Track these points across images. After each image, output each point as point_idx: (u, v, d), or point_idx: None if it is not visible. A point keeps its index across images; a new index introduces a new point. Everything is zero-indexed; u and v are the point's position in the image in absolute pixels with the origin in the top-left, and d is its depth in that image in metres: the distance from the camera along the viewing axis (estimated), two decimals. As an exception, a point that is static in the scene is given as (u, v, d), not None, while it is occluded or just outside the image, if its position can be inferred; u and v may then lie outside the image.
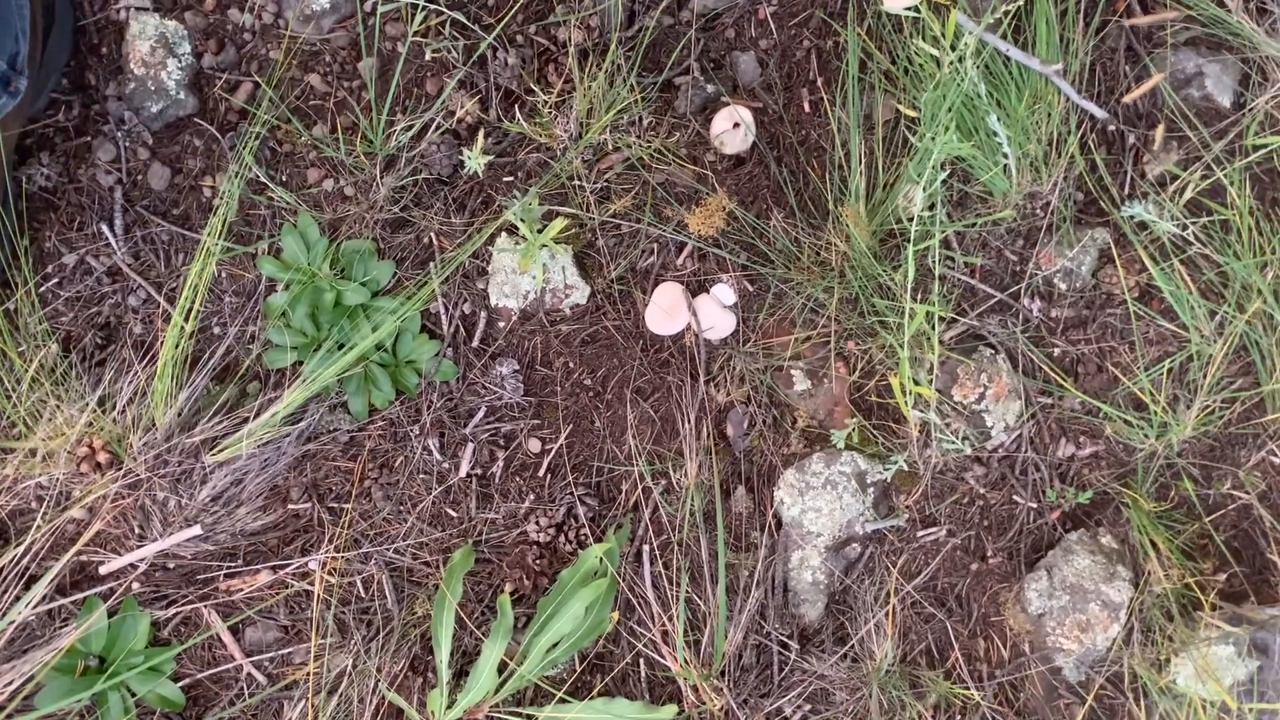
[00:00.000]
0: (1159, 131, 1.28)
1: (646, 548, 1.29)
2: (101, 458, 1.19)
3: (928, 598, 1.30)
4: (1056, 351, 1.32)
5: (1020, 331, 1.31)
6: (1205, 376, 1.28)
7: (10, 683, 1.15)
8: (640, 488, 1.30)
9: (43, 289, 1.26)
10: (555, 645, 1.23)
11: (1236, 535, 1.31)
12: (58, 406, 1.19)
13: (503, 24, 1.27)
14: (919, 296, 1.29)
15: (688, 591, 1.27)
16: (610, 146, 1.27)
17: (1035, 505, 1.31)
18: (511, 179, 1.29)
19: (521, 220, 1.21)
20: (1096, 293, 1.31)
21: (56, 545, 1.22)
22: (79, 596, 1.22)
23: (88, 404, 1.19)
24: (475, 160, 1.19)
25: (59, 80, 1.23)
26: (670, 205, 1.30)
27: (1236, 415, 1.30)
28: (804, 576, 1.29)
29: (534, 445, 1.31)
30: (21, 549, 1.18)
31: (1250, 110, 1.28)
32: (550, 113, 1.26)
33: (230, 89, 1.26)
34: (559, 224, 1.22)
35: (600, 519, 1.30)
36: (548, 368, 1.31)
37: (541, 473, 1.30)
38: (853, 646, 1.26)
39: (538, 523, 1.28)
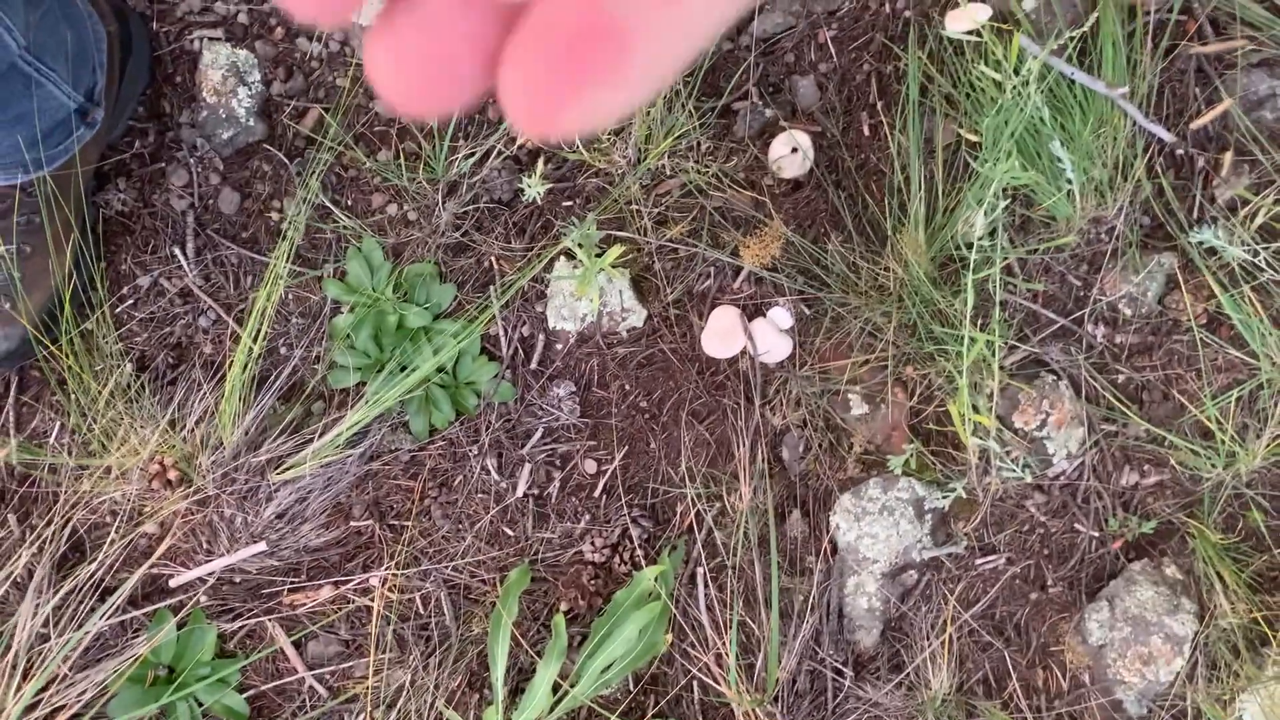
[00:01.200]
0: (1228, 156, 1.25)
1: (700, 570, 1.29)
2: (172, 475, 1.22)
3: (985, 626, 1.29)
4: (1121, 378, 1.29)
5: (1083, 358, 1.29)
6: (1276, 406, 1.24)
7: (84, 691, 1.19)
8: (694, 510, 1.30)
9: (118, 310, 1.30)
10: (609, 667, 1.24)
11: (1308, 568, 1.27)
12: (131, 425, 1.23)
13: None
14: (979, 323, 1.28)
15: (741, 615, 1.27)
16: (668, 172, 1.27)
17: (1097, 534, 1.29)
18: (570, 204, 1.30)
19: (579, 246, 1.23)
20: (1163, 319, 1.29)
21: (129, 559, 1.26)
22: (150, 609, 1.26)
23: (159, 423, 1.23)
24: (535, 188, 1.20)
25: (135, 108, 1.27)
26: (727, 230, 1.30)
27: (1309, 446, 1.27)
28: (859, 603, 1.28)
29: (590, 466, 1.32)
30: (96, 563, 1.22)
31: (1326, 133, 1.25)
32: (609, 139, 1.27)
33: (298, 116, 1.29)
34: (616, 251, 1.23)
35: (655, 540, 1.31)
36: (604, 390, 1.32)
37: (597, 493, 1.31)
38: (908, 675, 1.26)
39: (593, 543, 1.29)
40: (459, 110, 0.23)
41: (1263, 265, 1.25)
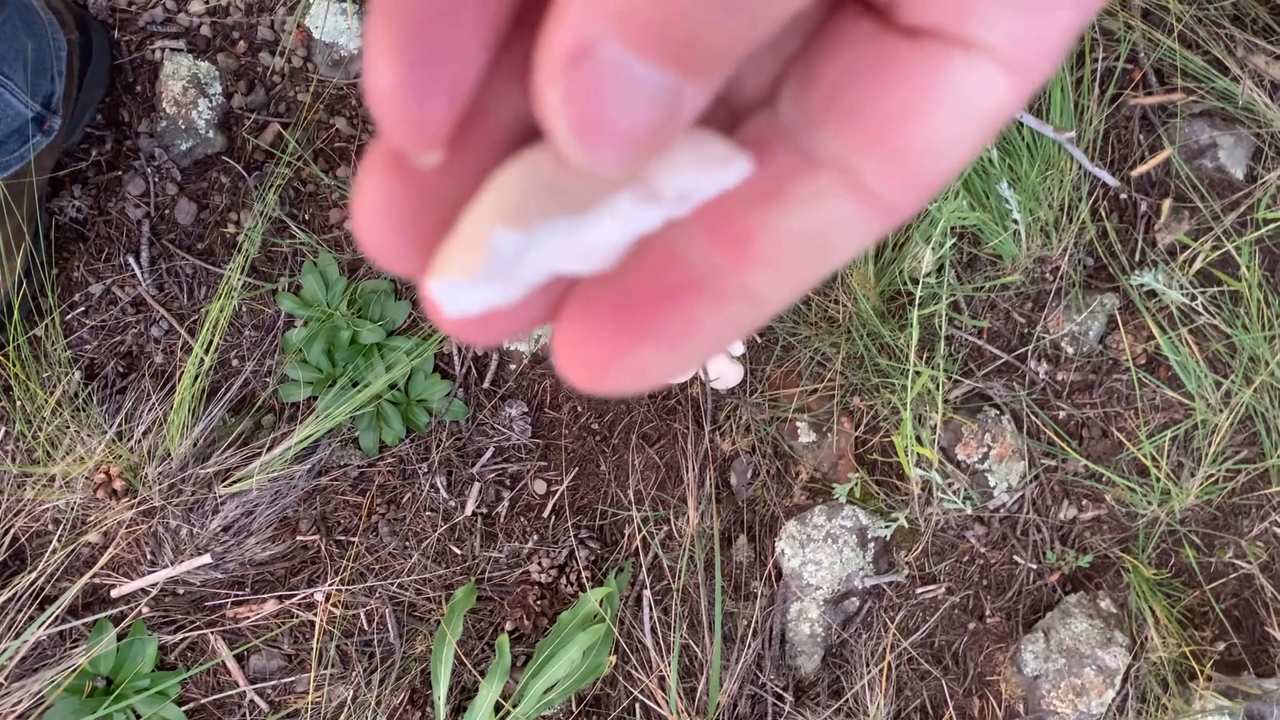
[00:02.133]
0: (1168, 202, 1.29)
1: (646, 593, 1.30)
2: (118, 485, 1.22)
3: (924, 654, 1.31)
4: (1062, 415, 1.32)
5: (1025, 394, 1.32)
6: (1210, 446, 1.28)
7: (19, 702, 1.18)
8: (642, 533, 1.31)
9: (68, 318, 1.29)
10: (552, 687, 1.24)
11: (1237, 605, 1.31)
12: (77, 433, 1.23)
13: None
14: (924, 357, 1.30)
15: (685, 639, 1.28)
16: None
17: (1035, 566, 1.32)
18: (528, 225, 1.31)
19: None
20: (1103, 358, 1.32)
21: (71, 569, 1.25)
22: (91, 619, 1.25)
23: (106, 432, 1.22)
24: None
25: (93, 116, 1.27)
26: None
27: (1240, 485, 1.31)
28: (802, 628, 1.30)
29: (539, 487, 1.33)
30: (36, 572, 1.21)
31: (1262, 184, 1.29)
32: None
33: (258, 129, 1.29)
34: (571, 274, 1.25)
35: (602, 562, 1.32)
36: (556, 411, 1.33)
37: (546, 514, 1.32)
38: (847, 701, 1.27)
39: (540, 564, 1.30)
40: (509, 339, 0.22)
41: (1200, 309, 1.29)
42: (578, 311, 0.21)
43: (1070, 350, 1.32)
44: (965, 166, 0.20)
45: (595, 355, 0.20)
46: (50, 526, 1.25)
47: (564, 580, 1.30)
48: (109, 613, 1.26)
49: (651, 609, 1.30)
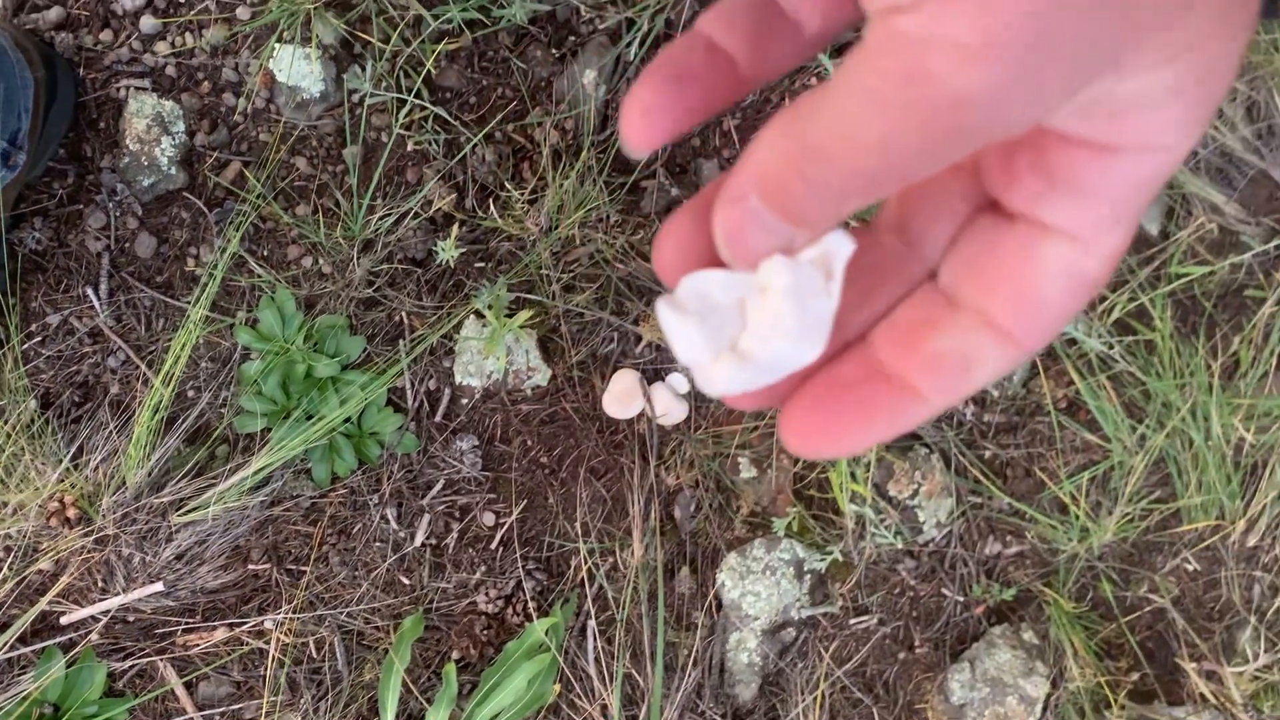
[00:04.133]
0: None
1: (591, 623, 1.35)
2: (71, 514, 1.24)
3: (856, 683, 1.36)
4: (988, 454, 1.40)
5: (954, 434, 1.39)
6: (1126, 486, 1.36)
7: (-34, 728, 1.19)
8: (588, 565, 1.36)
9: (25, 347, 1.31)
10: (497, 715, 1.28)
11: (1150, 637, 1.38)
12: (32, 462, 1.24)
13: (484, 123, 1.35)
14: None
15: (628, 668, 1.32)
16: (578, 241, 1.34)
17: (962, 599, 1.38)
18: (483, 265, 1.36)
19: (489, 308, 1.28)
20: (1027, 401, 1.40)
21: (22, 596, 1.26)
22: (40, 646, 1.27)
23: (61, 461, 1.24)
24: (448, 253, 1.26)
25: (56, 150, 1.30)
26: (631, 299, 1.37)
27: (1154, 524, 1.38)
28: (740, 658, 1.35)
29: (488, 519, 1.37)
30: (-13, 599, 1.22)
31: (1175, 240, 1.37)
32: (523, 207, 1.33)
33: (219, 167, 1.33)
34: (524, 315, 1.29)
35: (548, 593, 1.36)
36: (506, 444, 1.38)
37: (494, 545, 1.36)
38: (782, 728, 1.33)
39: (487, 594, 1.33)
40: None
41: (1117, 357, 1.37)
42: (802, 408, 0.30)
43: (996, 393, 1.40)
44: (1069, 314, 0.29)
45: (818, 444, 0.29)
46: (1, 554, 1.26)
47: (510, 611, 1.33)
48: (58, 640, 1.28)
49: (596, 639, 1.34)
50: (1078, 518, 1.36)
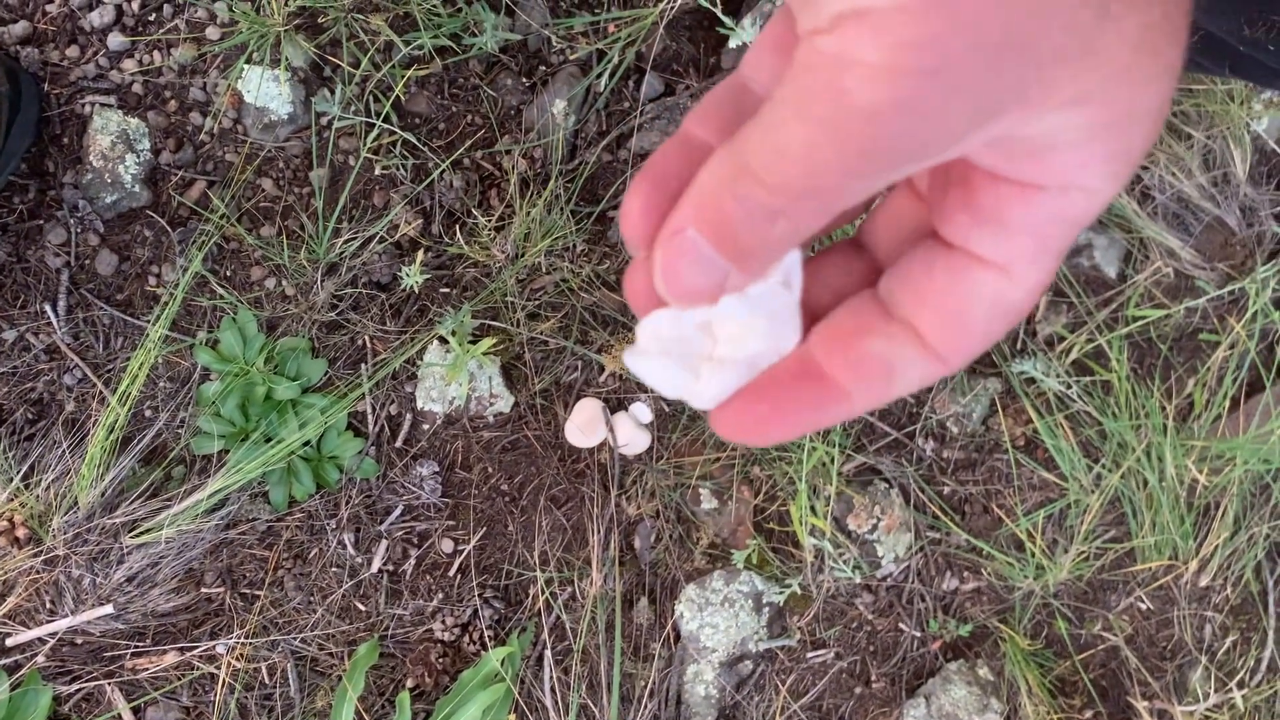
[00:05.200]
0: (1046, 298, 1.39)
1: (548, 653, 1.34)
2: (20, 533, 1.22)
3: (813, 717, 1.36)
4: (946, 490, 1.40)
5: (913, 469, 1.39)
6: (1081, 525, 1.37)
7: (-96, 752, 1.16)
8: (546, 594, 1.35)
9: (-20, 363, 1.29)
10: (450, 745, 1.27)
11: (1104, 674, 1.39)
12: (-18, 480, 1.22)
13: (452, 149, 1.35)
14: (820, 432, 1.37)
15: (584, 699, 1.32)
16: (544, 269, 1.34)
17: (919, 634, 1.39)
18: (448, 291, 1.36)
19: (453, 334, 1.28)
20: (985, 439, 1.41)
21: (-34, 617, 1.24)
22: (-17, 668, 1.24)
23: (12, 479, 1.22)
24: (413, 278, 1.26)
25: (18, 165, 1.28)
26: (595, 329, 1.37)
27: (1109, 563, 1.40)
28: (698, 690, 1.35)
29: (447, 545, 1.36)
30: (-69, 619, 1.20)
31: (1132, 283, 1.40)
32: (490, 234, 1.33)
33: (184, 186, 1.32)
34: (488, 342, 1.29)
35: (505, 621, 1.35)
36: (467, 471, 1.37)
37: (452, 573, 1.35)
38: (737, 762, 1.32)
39: (444, 621, 1.32)
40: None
41: (1074, 397, 1.39)
42: (735, 402, 0.32)
43: (955, 430, 1.41)
44: (991, 338, 0.31)
45: (742, 417, 0.31)
46: (-53, 573, 1.24)
47: (467, 639, 1.32)
48: (3, 662, 1.25)
49: (552, 669, 1.33)
50: (1034, 555, 1.37)
